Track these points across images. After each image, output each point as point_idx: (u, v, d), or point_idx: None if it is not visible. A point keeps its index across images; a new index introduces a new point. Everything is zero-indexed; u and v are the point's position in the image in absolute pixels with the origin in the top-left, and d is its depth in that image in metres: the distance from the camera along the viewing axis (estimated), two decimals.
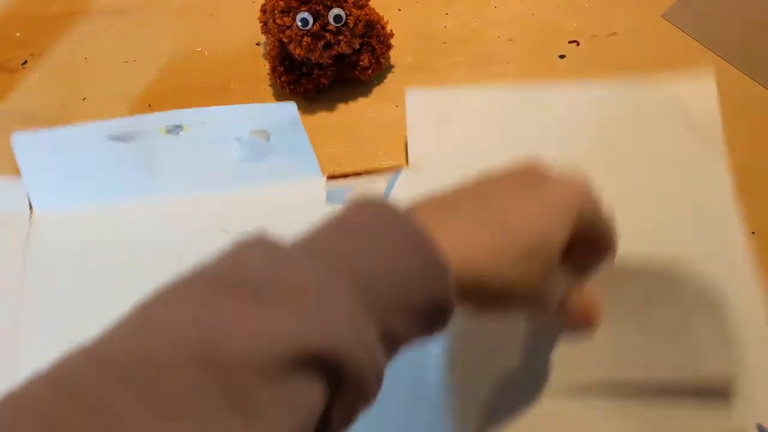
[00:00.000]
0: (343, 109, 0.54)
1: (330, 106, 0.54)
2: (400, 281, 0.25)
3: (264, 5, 0.53)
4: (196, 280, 0.23)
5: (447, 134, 0.50)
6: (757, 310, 0.41)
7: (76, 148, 0.48)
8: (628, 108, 0.49)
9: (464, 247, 0.27)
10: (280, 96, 0.55)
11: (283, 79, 0.52)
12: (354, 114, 0.54)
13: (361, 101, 0.54)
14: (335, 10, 0.48)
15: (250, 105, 0.51)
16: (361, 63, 0.51)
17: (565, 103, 0.50)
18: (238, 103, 0.54)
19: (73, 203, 0.48)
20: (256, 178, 0.49)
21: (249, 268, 0.23)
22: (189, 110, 0.49)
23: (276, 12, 0.48)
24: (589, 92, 0.50)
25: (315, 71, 0.51)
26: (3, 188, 0.49)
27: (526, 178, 0.30)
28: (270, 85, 0.55)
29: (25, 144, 0.48)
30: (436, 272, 0.25)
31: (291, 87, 0.52)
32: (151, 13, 0.59)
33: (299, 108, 0.54)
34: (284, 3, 0.48)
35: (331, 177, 0.50)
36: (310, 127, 0.53)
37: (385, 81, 0.55)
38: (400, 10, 0.58)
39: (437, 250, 0.25)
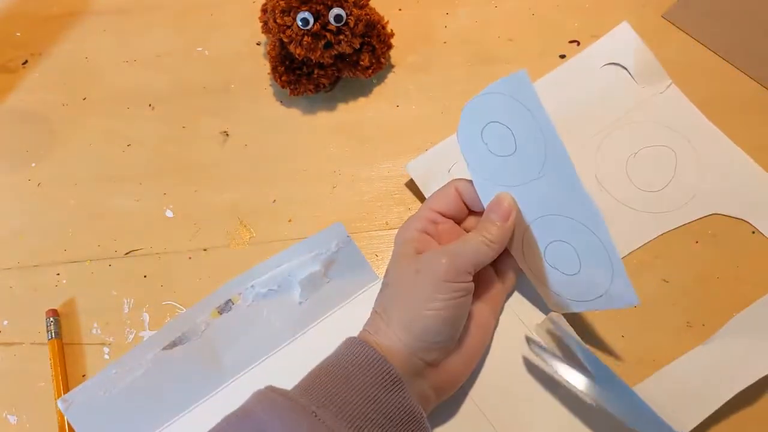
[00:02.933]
0: (343, 108, 0.54)
1: (330, 106, 0.54)
2: (370, 399, 0.34)
3: (264, 5, 0.53)
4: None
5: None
6: None
7: (128, 380, 0.43)
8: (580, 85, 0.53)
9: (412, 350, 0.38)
10: (280, 96, 0.55)
11: (283, 78, 0.52)
12: (354, 114, 0.54)
13: (362, 101, 0.54)
14: (336, 10, 0.48)
15: (295, 247, 0.47)
16: (362, 63, 0.51)
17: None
18: (239, 103, 0.55)
19: None
20: (320, 312, 0.46)
21: (259, 416, 0.33)
22: (232, 281, 0.46)
23: (276, 12, 0.48)
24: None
25: (315, 71, 0.51)
26: None
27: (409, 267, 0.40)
28: (270, 85, 0.55)
29: (76, 405, 0.43)
30: (393, 384, 0.35)
31: (291, 87, 0.52)
32: (151, 13, 0.60)
33: (299, 107, 0.54)
34: (285, 2, 0.48)
35: None
36: (311, 127, 0.54)
37: (385, 81, 0.55)
38: (400, 9, 0.58)
39: (387, 368, 0.35)
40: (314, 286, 0.46)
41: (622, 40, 0.53)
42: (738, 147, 0.49)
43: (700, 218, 0.47)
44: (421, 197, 0.50)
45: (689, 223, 0.47)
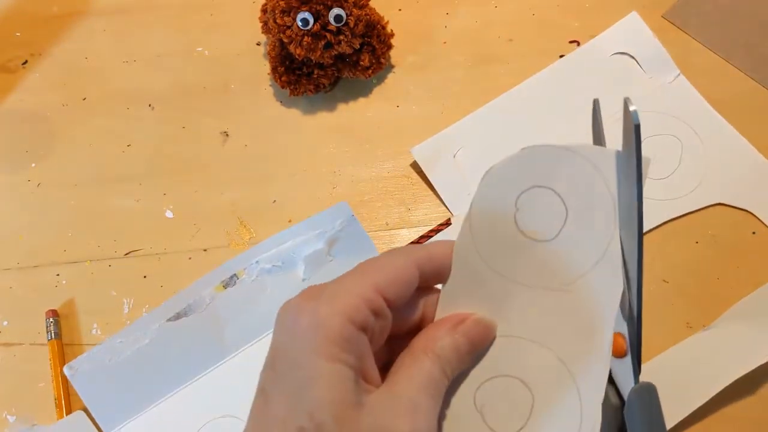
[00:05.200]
0: (343, 109, 0.54)
1: (330, 106, 0.54)
2: None
3: (264, 5, 0.53)
4: None
5: (466, 168, 0.50)
6: None
7: (133, 349, 0.44)
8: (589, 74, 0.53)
9: None
10: (280, 96, 0.55)
11: (283, 79, 0.52)
12: (354, 114, 0.54)
13: (361, 101, 0.54)
14: (336, 10, 0.48)
15: (300, 224, 0.47)
16: (362, 63, 0.51)
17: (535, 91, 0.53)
18: (239, 103, 0.55)
19: (147, 405, 0.44)
20: None
21: None
22: (237, 257, 0.47)
23: (276, 12, 0.48)
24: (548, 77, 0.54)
25: (315, 71, 0.51)
26: (71, 425, 0.44)
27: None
28: (270, 85, 0.55)
29: (81, 372, 0.44)
30: None
31: (291, 87, 0.52)
32: (151, 13, 0.59)
33: (299, 108, 0.54)
34: (285, 3, 0.48)
35: None
36: (311, 127, 0.54)
37: (385, 81, 0.55)
38: (400, 10, 0.58)
39: None
40: (318, 264, 0.46)
41: (631, 30, 0.53)
42: (744, 138, 0.50)
43: (704, 207, 0.48)
44: (421, 195, 0.50)
45: (693, 212, 0.48)
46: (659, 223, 0.47)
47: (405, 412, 0.23)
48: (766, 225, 0.47)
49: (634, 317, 0.27)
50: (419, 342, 0.25)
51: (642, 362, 0.43)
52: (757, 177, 0.48)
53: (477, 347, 0.26)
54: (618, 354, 0.28)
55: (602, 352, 0.26)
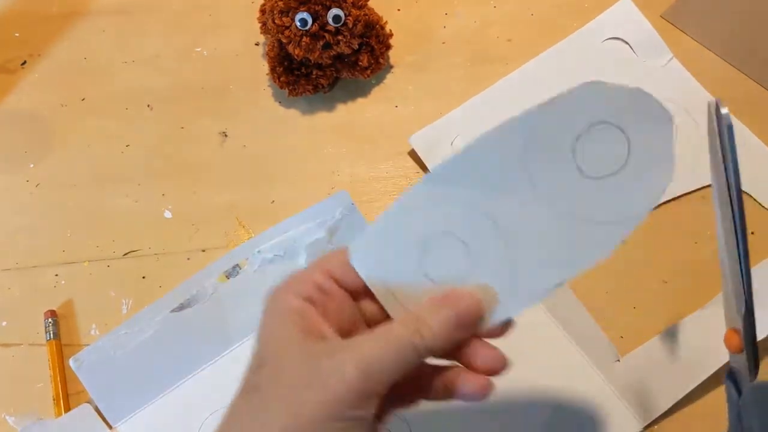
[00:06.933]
0: (342, 109, 0.54)
1: (329, 107, 0.54)
2: None
3: (263, 5, 0.53)
4: None
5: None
6: None
7: (138, 340, 0.45)
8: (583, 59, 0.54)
9: None
10: (279, 96, 0.55)
11: (282, 79, 0.52)
12: (353, 114, 0.54)
13: (360, 101, 0.54)
14: (334, 11, 0.48)
15: (301, 214, 0.48)
16: (361, 63, 0.51)
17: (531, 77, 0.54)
18: (238, 103, 0.55)
19: (153, 396, 0.44)
20: None
21: None
22: (239, 247, 0.47)
23: (275, 12, 0.48)
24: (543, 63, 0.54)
25: (314, 72, 0.51)
26: (77, 418, 0.44)
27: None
28: (269, 86, 0.55)
29: (87, 364, 0.44)
30: None
31: (290, 87, 0.52)
32: (151, 13, 0.59)
33: (298, 108, 0.54)
34: (283, 3, 0.48)
35: None
36: (309, 128, 0.54)
37: (384, 81, 0.55)
38: (399, 10, 0.58)
39: None
40: (319, 253, 0.47)
41: (623, 15, 0.54)
42: (738, 120, 0.50)
43: (698, 189, 0.48)
44: None
45: (688, 193, 0.48)
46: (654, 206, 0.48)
47: (349, 355, 0.26)
48: (761, 204, 0.48)
49: (748, 313, 0.28)
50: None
51: (639, 345, 0.43)
52: (751, 158, 0.49)
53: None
54: (733, 349, 0.29)
55: (553, 277, 0.27)
